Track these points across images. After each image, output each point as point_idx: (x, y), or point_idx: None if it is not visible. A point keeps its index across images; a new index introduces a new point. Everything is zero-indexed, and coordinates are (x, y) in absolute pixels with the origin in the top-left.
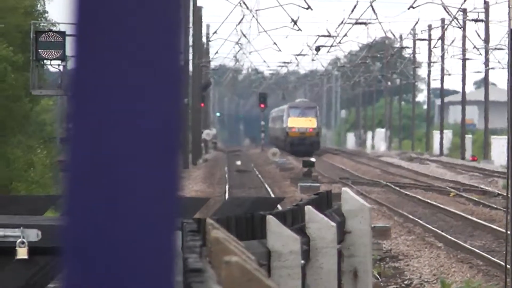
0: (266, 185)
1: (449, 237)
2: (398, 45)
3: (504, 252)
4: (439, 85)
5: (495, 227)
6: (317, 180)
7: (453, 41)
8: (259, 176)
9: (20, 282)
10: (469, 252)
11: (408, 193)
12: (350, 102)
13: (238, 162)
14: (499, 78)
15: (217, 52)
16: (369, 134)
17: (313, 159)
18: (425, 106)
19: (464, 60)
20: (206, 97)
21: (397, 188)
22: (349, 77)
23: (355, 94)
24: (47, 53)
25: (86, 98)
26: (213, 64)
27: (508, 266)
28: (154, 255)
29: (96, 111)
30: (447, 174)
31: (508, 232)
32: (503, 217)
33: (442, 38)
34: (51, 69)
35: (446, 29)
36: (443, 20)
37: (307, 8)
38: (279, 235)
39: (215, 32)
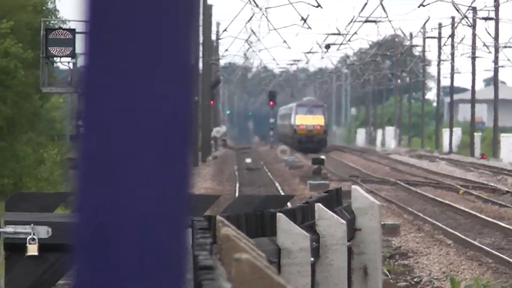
0: (276, 183)
1: (459, 234)
2: (408, 43)
3: None
4: (448, 83)
5: (504, 224)
6: (326, 178)
7: (462, 39)
8: (269, 174)
9: (31, 278)
10: (478, 250)
11: (417, 190)
12: (360, 100)
13: (248, 160)
14: (508, 76)
15: (226, 50)
16: (379, 132)
17: (322, 157)
18: (434, 104)
19: (473, 58)
20: (216, 95)
21: (407, 186)
22: (359, 75)
23: (365, 92)
24: (57, 50)
25: (96, 95)
26: (222, 62)
27: None
28: (165, 253)
29: (106, 108)
30: (456, 172)
31: None
32: None
33: (452, 36)
34: (61, 66)
35: (456, 27)
36: (453, 18)
37: (317, 6)
38: (289, 233)
39: (225, 30)
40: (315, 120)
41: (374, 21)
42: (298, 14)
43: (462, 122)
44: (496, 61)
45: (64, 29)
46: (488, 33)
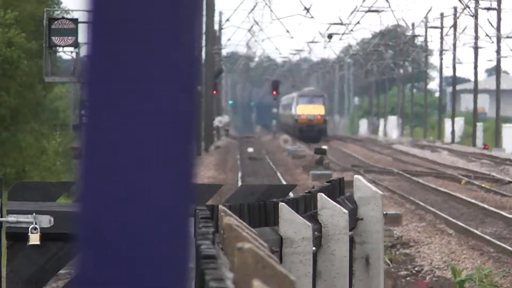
0: (278, 174)
1: (460, 224)
2: (410, 33)
3: None
4: (450, 73)
5: (506, 214)
6: (329, 168)
7: (465, 29)
8: (271, 164)
9: (33, 268)
10: (480, 239)
11: (419, 180)
12: (363, 90)
13: (251, 149)
14: (511, 66)
15: (229, 39)
16: (382, 121)
17: (325, 147)
18: (437, 94)
19: (476, 48)
20: (218, 85)
21: (409, 176)
22: (362, 64)
23: (368, 81)
24: (60, 40)
25: (99, 85)
26: (225, 52)
27: None
28: (168, 242)
29: (109, 98)
30: (458, 162)
31: None
32: None
33: (454, 26)
34: (64, 56)
35: (458, 17)
36: (455, 8)
37: None
38: (291, 222)
39: (227, 19)
40: (316, 110)
41: (377, 11)
42: (301, 4)
43: (464, 112)
44: (498, 51)
45: (67, 19)
46: (490, 23)
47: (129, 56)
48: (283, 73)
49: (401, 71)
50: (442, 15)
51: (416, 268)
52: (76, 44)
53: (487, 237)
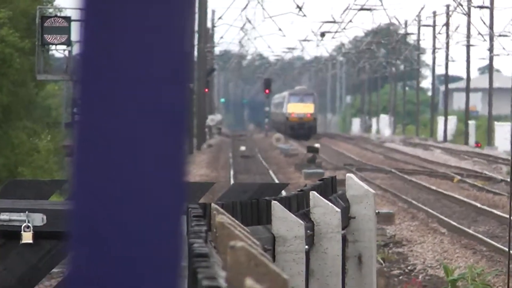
0: (271, 172)
1: (453, 222)
2: (402, 31)
3: (507, 238)
4: (443, 71)
5: (498, 212)
6: (321, 166)
7: (457, 27)
8: (264, 162)
9: (25, 266)
10: (472, 238)
11: (412, 179)
12: (356, 88)
13: (243, 148)
14: (503, 64)
15: (222, 37)
16: (374, 119)
17: (317, 145)
18: (429, 93)
19: (468, 46)
20: (211, 83)
21: (401, 174)
22: (354, 63)
23: (360, 80)
24: (52, 38)
25: (91, 83)
26: (217, 50)
27: (511, 252)
28: (160, 240)
29: (102, 96)
30: (451, 160)
31: None
32: (507, 203)
33: (447, 24)
34: (57, 54)
35: (451, 15)
36: (448, 7)
37: None
38: (284, 220)
39: (220, 17)
40: (306, 108)
41: (369, 9)
42: (293, 2)
43: (457, 110)
44: (491, 49)
45: (59, 17)
46: (483, 21)
47: (121, 54)
48: (275, 71)
49: (394, 69)
50: (434, 14)
51: (409, 267)
52: (68, 42)
53: (480, 236)
